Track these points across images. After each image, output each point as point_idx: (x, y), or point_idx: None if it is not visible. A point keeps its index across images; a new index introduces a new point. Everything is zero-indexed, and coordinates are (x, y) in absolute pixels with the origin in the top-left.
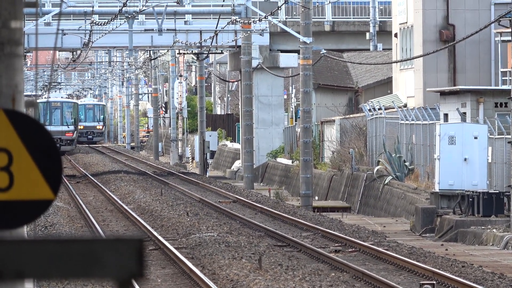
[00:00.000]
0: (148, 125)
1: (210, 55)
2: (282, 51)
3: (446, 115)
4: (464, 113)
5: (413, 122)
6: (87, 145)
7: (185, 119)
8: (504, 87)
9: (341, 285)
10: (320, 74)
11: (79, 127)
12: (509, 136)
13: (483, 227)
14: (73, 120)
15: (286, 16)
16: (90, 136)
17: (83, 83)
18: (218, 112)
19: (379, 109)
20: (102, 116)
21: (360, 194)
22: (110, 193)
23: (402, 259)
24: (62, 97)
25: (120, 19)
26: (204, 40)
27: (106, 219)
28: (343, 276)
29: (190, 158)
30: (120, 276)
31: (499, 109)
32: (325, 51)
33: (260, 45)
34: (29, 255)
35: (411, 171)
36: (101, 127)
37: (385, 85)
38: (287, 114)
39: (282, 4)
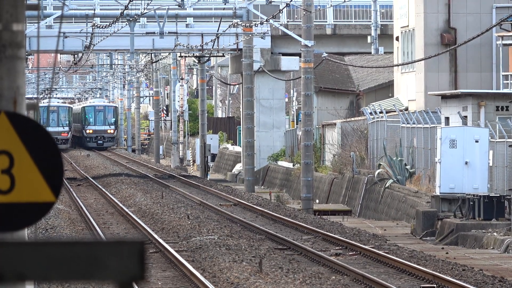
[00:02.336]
0: (149, 128)
1: (212, 58)
2: (284, 54)
3: (447, 119)
4: (465, 116)
5: (414, 125)
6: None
7: (186, 122)
8: (505, 90)
9: None
10: (322, 77)
11: (88, 131)
12: (510, 140)
13: (483, 231)
14: (67, 122)
15: (288, 19)
16: (101, 141)
17: (85, 86)
18: (219, 115)
19: (380, 112)
20: (114, 119)
21: (361, 197)
22: (111, 196)
23: (403, 262)
24: (58, 102)
25: (121, 22)
26: (206, 43)
27: (107, 222)
28: (343, 280)
29: (191, 161)
30: (121, 278)
31: (500, 113)
32: (327, 55)
33: (261, 48)
34: (30, 257)
35: (412, 174)
36: (112, 131)
37: (386, 89)
38: (288, 117)
39: (284, 7)
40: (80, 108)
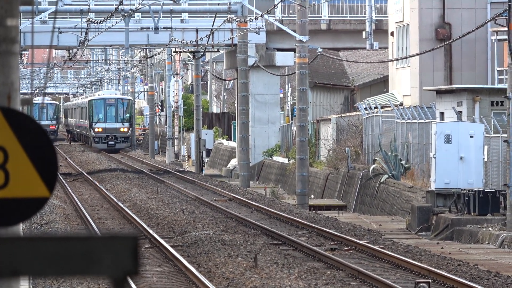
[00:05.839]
0: (144, 124)
1: (206, 53)
2: (279, 50)
3: (442, 114)
4: (460, 111)
5: (409, 120)
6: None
7: (181, 117)
8: (500, 85)
9: (337, 283)
10: (316, 72)
11: (97, 129)
12: (505, 135)
13: (479, 226)
14: (55, 116)
15: (283, 15)
16: (112, 142)
17: (79, 81)
18: (214, 111)
19: (375, 107)
20: (128, 115)
21: (356, 192)
22: (106, 191)
23: (398, 257)
24: (46, 100)
25: (116, 17)
26: (201, 39)
27: (102, 217)
28: (338, 275)
29: (186, 156)
30: (115, 273)
31: (495, 108)
32: (322, 50)
33: (256, 44)
34: (24, 253)
35: (407, 169)
36: (126, 129)
37: (381, 84)
38: (283, 112)
39: (279, 3)
40: (86, 102)
